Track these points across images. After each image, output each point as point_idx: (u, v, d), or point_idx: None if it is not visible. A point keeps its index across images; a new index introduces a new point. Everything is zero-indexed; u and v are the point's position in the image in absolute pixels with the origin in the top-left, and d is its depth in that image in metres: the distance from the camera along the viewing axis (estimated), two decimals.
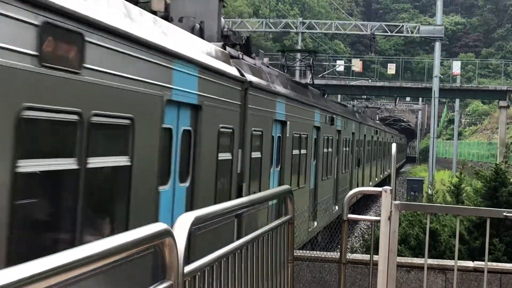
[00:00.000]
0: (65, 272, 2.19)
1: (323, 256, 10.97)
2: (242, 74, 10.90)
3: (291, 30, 55.44)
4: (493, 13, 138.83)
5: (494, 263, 10.27)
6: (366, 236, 21.46)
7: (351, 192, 7.15)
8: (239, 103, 10.68)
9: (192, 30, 11.19)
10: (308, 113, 17.69)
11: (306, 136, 17.22)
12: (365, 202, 37.92)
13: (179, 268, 3.15)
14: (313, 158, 18.77)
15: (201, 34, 11.57)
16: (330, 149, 21.77)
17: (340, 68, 65.35)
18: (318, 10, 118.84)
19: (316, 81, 52.10)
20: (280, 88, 14.07)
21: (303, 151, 16.93)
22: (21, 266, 2.00)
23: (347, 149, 26.78)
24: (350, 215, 6.88)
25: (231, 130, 10.27)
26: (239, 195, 10.64)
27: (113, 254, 2.54)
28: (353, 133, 28.39)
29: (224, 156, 9.91)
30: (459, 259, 6.99)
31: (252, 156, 11.63)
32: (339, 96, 68.78)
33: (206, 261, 3.91)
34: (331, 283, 10.50)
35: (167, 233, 3.02)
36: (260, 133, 12.16)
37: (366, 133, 34.21)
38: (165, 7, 10.11)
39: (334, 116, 21.87)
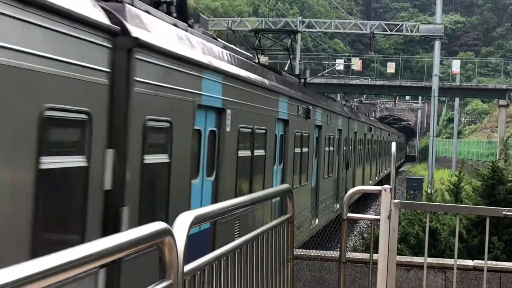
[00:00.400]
0: (64, 271, 2.19)
1: (322, 255, 10.97)
2: (120, 25, 6.62)
3: (289, 29, 55.36)
4: (492, 12, 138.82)
5: (494, 262, 10.28)
6: (366, 235, 21.44)
7: (350, 191, 7.14)
8: (108, 70, 6.36)
9: None
10: (268, 100, 13.05)
11: (263, 131, 12.71)
12: (365, 201, 37.91)
13: (179, 267, 3.15)
14: (277, 161, 14.27)
15: None
16: (305, 149, 17.34)
17: (340, 67, 65.34)
18: (318, 9, 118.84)
19: (316, 80, 52.27)
20: (212, 60, 9.52)
21: (259, 152, 12.35)
22: (19, 265, 2.00)
23: (331, 148, 22.23)
24: (349, 214, 6.88)
25: (83, 116, 5.97)
26: (114, 227, 6.35)
27: (112, 253, 2.55)
28: (339, 130, 23.91)
29: (61, 161, 5.71)
30: (458, 257, 6.99)
31: (147, 161, 7.26)
32: (338, 94, 68.78)
33: (206, 260, 3.91)
34: (330, 282, 10.51)
35: (167, 232, 3.02)
36: (166, 124, 7.85)
37: (358, 130, 29.97)
38: None
39: (311, 107, 17.53)
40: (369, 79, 64.96)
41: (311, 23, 54.56)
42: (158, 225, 2.98)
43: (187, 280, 3.49)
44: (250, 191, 11.47)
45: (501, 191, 14.40)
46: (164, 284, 3.06)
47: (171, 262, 3.08)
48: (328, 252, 11.53)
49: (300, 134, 16.61)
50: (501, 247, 12.75)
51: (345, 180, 25.73)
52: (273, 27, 53.23)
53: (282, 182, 14.64)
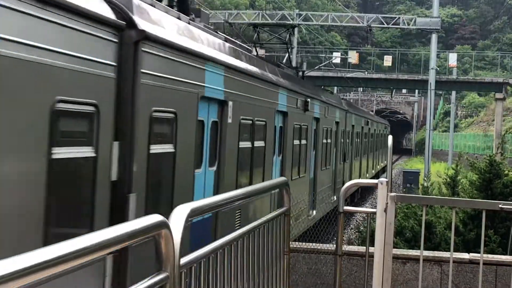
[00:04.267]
0: (61, 264, 2.19)
1: (319, 248, 10.98)
2: (127, 19, 6.62)
3: (288, 22, 55.31)
4: (489, 5, 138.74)
5: (490, 255, 10.30)
6: (362, 228, 21.46)
7: (347, 184, 7.15)
8: (114, 63, 6.45)
9: None
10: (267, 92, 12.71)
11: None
12: (361, 194, 37.93)
13: (175, 260, 3.16)
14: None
15: None
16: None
17: (337, 60, 65.31)
18: (315, 2, 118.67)
19: (313, 73, 52.20)
20: (214, 53, 9.47)
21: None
22: (16, 258, 2.00)
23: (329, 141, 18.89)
24: (346, 207, 6.88)
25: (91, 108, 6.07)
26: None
27: (109, 246, 2.55)
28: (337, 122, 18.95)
29: (69, 151, 5.83)
30: (454, 251, 7.01)
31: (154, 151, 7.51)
32: (335, 88, 68.80)
33: (202, 253, 3.91)
34: (327, 274, 10.52)
35: (164, 225, 3.02)
36: (171, 115, 8.01)
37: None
38: None
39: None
40: (366, 72, 64.97)
41: (308, 16, 54.44)
42: (155, 218, 2.99)
43: (183, 272, 3.50)
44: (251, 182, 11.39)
45: (498, 184, 14.41)
46: (161, 276, 3.06)
47: (168, 255, 3.09)
48: (324, 245, 11.55)
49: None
50: (497, 240, 12.77)
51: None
52: (270, 20, 53.15)
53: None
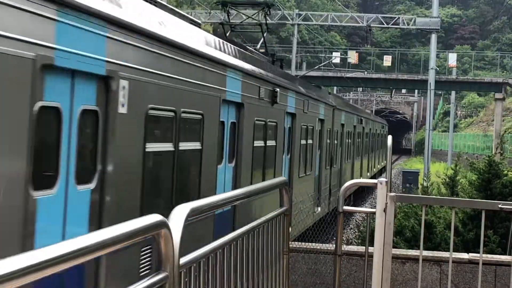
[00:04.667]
0: (60, 263, 2.19)
1: (318, 247, 10.98)
2: None
3: (287, 22, 55.28)
4: (489, 5, 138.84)
5: (489, 255, 10.29)
6: (362, 228, 21.44)
7: (346, 184, 7.15)
8: None
9: None
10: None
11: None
12: (361, 194, 37.93)
13: (175, 260, 3.16)
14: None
15: None
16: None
17: (336, 60, 65.41)
18: (314, 2, 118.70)
19: (312, 73, 52.26)
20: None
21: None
22: (14, 257, 2.00)
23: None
24: (345, 207, 6.88)
25: None
26: None
27: (108, 245, 2.54)
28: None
29: None
30: (453, 251, 7.01)
31: None
32: (334, 88, 68.83)
33: (201, 253, 3.91)
34: (326, 274, 10.52)
35: (163, 225, 3.02)
36: None
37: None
38: None
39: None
40: (366, 72, 65.05)
41: (308, 16, 54.44)
42: (154, 218, 2.99)
43: (183, 272, 3.50)
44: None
45: (497, 185, 14.40)
46: (160, 276, 3.06)
47: (167, 255, 3.09)
48: (323, 244, 11.54)
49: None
50: (497, 240, 12.76)
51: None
52: (270, 20, 53.06)
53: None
